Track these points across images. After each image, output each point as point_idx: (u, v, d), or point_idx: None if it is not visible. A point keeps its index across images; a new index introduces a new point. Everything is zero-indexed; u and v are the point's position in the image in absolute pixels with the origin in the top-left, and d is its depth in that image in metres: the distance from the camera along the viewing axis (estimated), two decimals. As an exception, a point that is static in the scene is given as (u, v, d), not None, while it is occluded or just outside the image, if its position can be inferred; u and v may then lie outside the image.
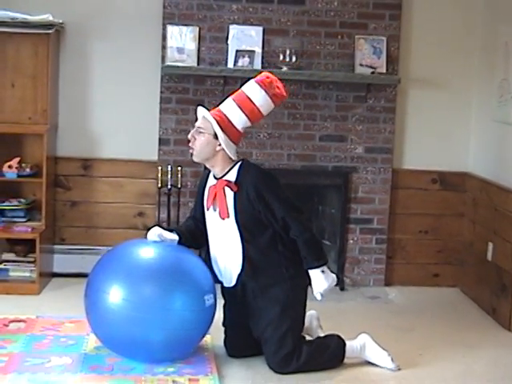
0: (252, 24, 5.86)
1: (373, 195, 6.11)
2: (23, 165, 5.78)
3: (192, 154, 4.44)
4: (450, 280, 6.30)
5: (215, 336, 4.71)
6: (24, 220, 5.81)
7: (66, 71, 5.96)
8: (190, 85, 5.90)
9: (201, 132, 4.36)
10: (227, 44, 5.85)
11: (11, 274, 5.71)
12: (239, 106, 4.33)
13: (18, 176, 5.72)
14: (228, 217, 4.34)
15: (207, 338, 4.66)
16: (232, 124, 4.33)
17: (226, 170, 4.39)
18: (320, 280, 4.34)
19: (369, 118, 6.02)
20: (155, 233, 4.38)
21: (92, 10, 5.91)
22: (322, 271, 4.35)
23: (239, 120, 4.34)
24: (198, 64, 5.86)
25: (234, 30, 5.84)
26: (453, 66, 6.13)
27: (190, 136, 4.41)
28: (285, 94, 4.42)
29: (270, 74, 4.44)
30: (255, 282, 4.39)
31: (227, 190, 4.33)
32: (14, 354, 4.41)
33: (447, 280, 6.30)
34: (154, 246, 4.38)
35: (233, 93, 4.50)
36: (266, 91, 4.33)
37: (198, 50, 5.87)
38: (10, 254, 5.77)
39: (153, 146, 5.96)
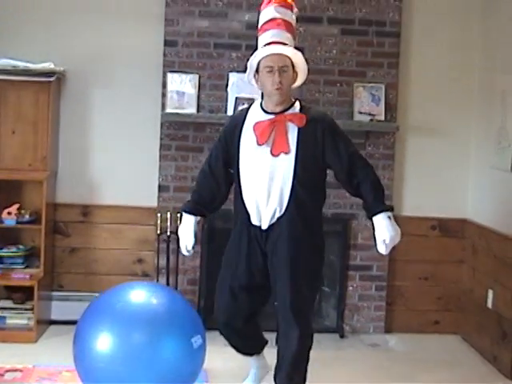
0: None
1: (372, 242, 5.91)
2: (22, 211, 5.78)
3: (278, 91, 4.12)
4: (450, 327, 6.26)
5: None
6: (22, 267, 5.79)
7: (67, 118, 6.00)
8: (190, 132, 5.93)
9: (285, 71, 4.11)
10: (227, 91, 5.88)
11: (8, 321, 5.67)
12: (287, 30, 4.16)
13: (17, 223, 5.71)
14: (287, 152, 4.13)
15: None
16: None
17: (288, 106, 4.21)
18: (386, 226, 4.09)
19: (368, 165, 6.02)
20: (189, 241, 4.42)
21: (93, 58, 5.96)
22: (389, 217, 4.11)
23: (293, 44, 4.20)
24: (198, 111, 5.89)
25: (233, 77, 5.87)
26: (451, 113, 6.17)
27: (277, 79, 4.07)
28: (294, 4, 4.28)
29: None
30: (294, 227, 4.18)
31: (290, 124, 4.15)
32: (10, 403, 4.38)
33: (448, 327, 6.27)
34: (138, 291, 4.36)
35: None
36: (287, 8, 4.22)
37: (198, 98, 5.91)
38: (7, 301, 5.73)
39: (152, 192, 5.98)
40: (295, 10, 4.27)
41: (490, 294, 5.66)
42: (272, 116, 4.19)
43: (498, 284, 5.55)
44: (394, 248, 6.00)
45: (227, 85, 5.89)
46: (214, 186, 4.41)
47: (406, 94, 6.11)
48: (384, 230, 4.10)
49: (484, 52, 6.05)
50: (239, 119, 4.33)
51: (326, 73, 5.97)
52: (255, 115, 4.27)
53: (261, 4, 4.31)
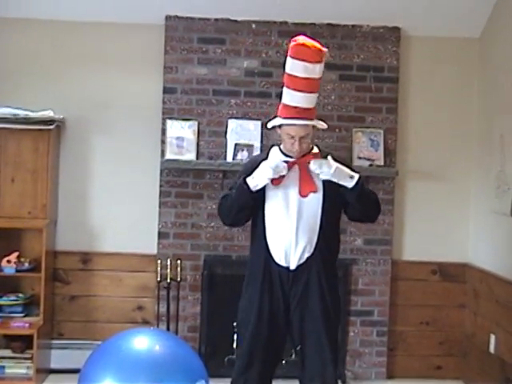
0: (250, 118, 5.92)
1: (373, 287, 6.08)
2: (22, 259, 5.76)
3: (296, 153, 4.14)
4: (452, 372, 6.20)
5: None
6: (22, 315, 5.75)
7: (66, 166, 6.02)
8: (190, 179, 5.93)
9: (305, 137, 4.13)
10: (226, 138, 5.91)
11: (7, 371, 5.61)
12: (312, 92, 4.09)
13: (17, 271, 5.69)
14: (316, 191, 4.15)
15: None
16: (315, 108, 4.18)
17: (308, 151, 4.22)
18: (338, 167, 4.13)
19: (368, 210, 6.02)
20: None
21: (92, 106, 6.00)
22: (351, 176, 4.13)
23: (316, 100, 4.16)
24: (197, 158, 5.91)
25: (232, 124, 5.91)
26: (450, 157, 6.18)
27: (297, 148, 4.10)
28: (321, 48, 4.08)
29: (303, 41, 4.04)
30: (324, 268, 4.17)
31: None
32: None
33: (450, 372, 6.21)
34: (141, 337, 4.34)
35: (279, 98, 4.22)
36: (316, 62, 4.05)
37: (197, 144, 5.93)
38: (6, 351, 5.68)
39: (152, 239, 5.97)
40: (324, 53, 4.08)
41: (493, 338, 5.62)
42: (293, 159, 4.19)
43: (500, 329, 5.51)
44: (394, 293, 6.06)
45: (226, 131, 5.92)
46: None
47: (404, 138, 6.12)
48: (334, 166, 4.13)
49: (482, 96, 6.08)
50: (257, 161, 4.26)
51: (325, 118, 5.59)
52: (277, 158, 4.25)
53: (290, 41, 4.06)
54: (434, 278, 6.19)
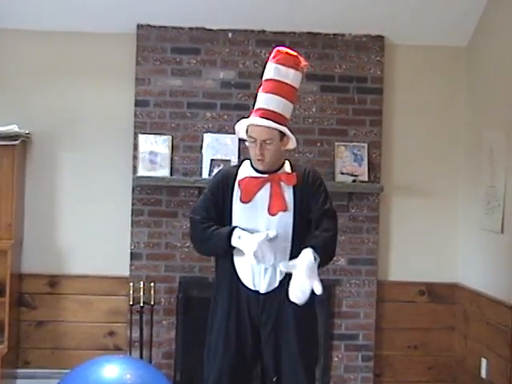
0: (227, 132, 5.79)
1: (357, 309, 5.96)
2: (-15, 283, 5.63)
3: (260, 162, 4.02)
4: (442, 399, 6.15)
5: None
6: (-16, 343, 5.60)
7: (33, 183, 5.92)
8: (163, 196, 5.83)
9: (268, 143, 3.99)
10: (201, 153, 5.82)
11: (-31, 402, 5.42)
12: (281, 95, 4.01)
13: (-21, 296, 5.57)
14: (285, 210, 4.00)
15: None
16: (285, 117, 4.04)
17: (279, 167, 4.10)
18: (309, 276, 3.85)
19: (351, 228, 5.92)
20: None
21: (59, 120, 5.92)
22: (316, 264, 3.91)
23: (289, 109, 4.06)
24: (171, 174, 5.83)
25: (208, 138, 5.83)
26: (437, 172, 6.10)
27: (257, 152, 3.97)
28: (302, 58, 4.07)
29: (280, 48, 4.08)
30: None
31: (283, 183, 4.04)
32: None
33: (439, 399, 6.15)
34: (110, 367, 4.33)
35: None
36: (290, 67, 4.02)
37: (171, 160, 5.85)
38: (-33, 382, 5.49)
39: (124, 260, 5.86)
40: (302, 64, 4.06)
41: (484, 362, 5.53)
42: (265, 175, 4.06)
43: (491, 352, 5.42)
44: (380, 315, 5.92)
45: (202, 146, 5.82)
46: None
47: (389, 153, 6.04)
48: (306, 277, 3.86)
49: (470, 108, 6.01)
50: (230, 176, 4.13)
51: (306, 132, 5.89)
52: (247, 173, 4.12)
53: (268, 51, 4.14)
54: (421, 299, 6.11)
